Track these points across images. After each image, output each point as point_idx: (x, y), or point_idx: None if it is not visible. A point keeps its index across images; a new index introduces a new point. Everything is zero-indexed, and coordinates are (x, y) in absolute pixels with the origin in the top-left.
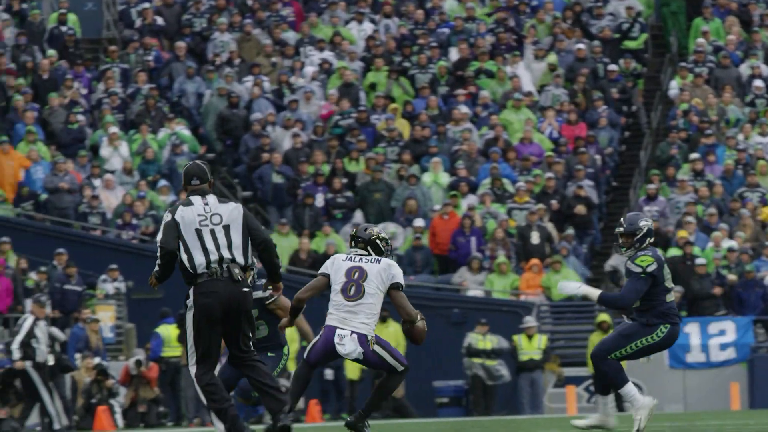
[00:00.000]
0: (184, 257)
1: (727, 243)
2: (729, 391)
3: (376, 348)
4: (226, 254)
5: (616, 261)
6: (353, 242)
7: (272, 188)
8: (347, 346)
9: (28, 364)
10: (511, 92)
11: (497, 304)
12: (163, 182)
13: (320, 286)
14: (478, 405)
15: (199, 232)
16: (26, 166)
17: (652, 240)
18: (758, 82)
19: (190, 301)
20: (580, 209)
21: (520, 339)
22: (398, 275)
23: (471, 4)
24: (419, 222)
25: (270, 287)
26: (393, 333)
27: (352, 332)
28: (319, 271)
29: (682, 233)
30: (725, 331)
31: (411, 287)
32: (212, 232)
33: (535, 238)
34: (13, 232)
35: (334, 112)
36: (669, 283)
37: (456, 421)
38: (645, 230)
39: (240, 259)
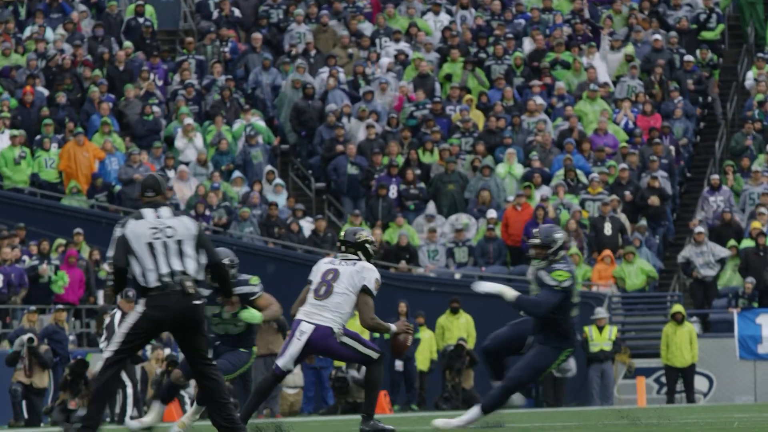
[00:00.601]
0: (137, 271)
1: None
2: None
3: (345, 339)
4: (177, 267)
5: (689, 252)
6: (342, 247)
7: (347, 179)
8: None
9: None
10: (586, 83)
11: None
12: (236, 173)
13: (305, 296)
14: (548, 396)
15: (150, 246)
16: (101, 157)
17: (564, 253)
18: None
19: (139, 308)
20: (654, 200)
21: (591, 330)
22: (369, 279)
23: None
24: (492, 213)
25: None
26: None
27: (317, 326)
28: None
29: (755, 224)
30: None
31: (483, 279)
32: (164, 245)
33: (607, 229)
34: (86, 223)
35: (411, 100)
36: (576, 298)
37: (526, 412)
38: (560, 243)
39: (192, 272)
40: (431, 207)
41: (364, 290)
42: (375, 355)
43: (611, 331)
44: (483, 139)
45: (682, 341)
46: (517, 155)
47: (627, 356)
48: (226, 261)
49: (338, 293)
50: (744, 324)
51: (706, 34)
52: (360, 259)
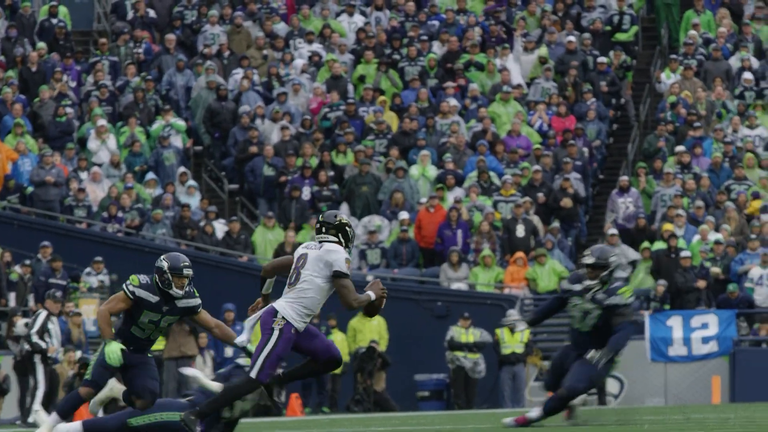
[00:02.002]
0: None
1: (713, 236)
2: (710, 384)
3: (276, 330)
4: None
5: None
6: (321, 227)
7: (263, 181)
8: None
9: (38, 358)
10: (500, 85)
11: (481, 298)
12: (150, 175)
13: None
14: (460, 398)
15: None
16: (14, 158)
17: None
18: (747, 75)
19: None
20: (567, 202)
21: (502, 332)
22: (337, 262)
23: None
24: (405, 215)
25: None
26: (376, 327)
27: (270, 306)
28: None
29: (667, 226)
30: (708, 324)
31: (396, 281)
32: None
33: (520, 231)
34: None
35: (323, 104)
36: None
37: (438, 415)
38: (614, 265)
39: None
40: (344, 209)
41: (337, 275)
42: (255, 374)
43: (523, 334)
44: (396, 140)
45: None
46: (431, 157)
47: (539, 358)
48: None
49: (304, 279)
50: (655, 326)
51: (620, 36)
52: (338, 242)
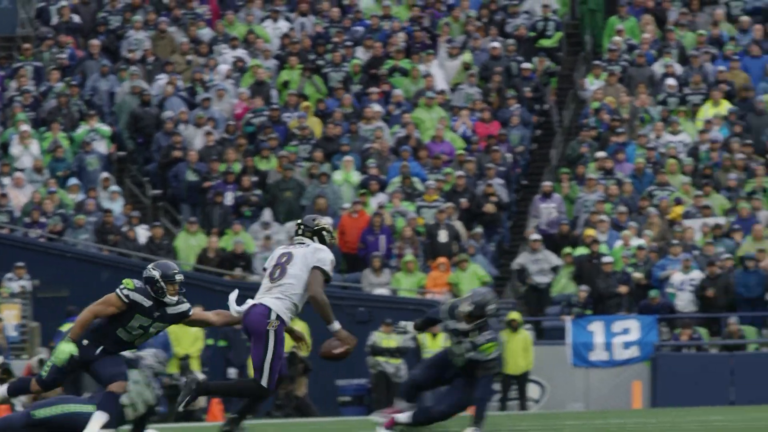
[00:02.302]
0: None
1: (636, 241)
2: (631, 389)
3: (271, 334)
4: None
5: (524, 259)
6: (299, 230)
7: (186, 186)
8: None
9: None
10: (423, 90)
11: (403, 303)
12: (72, 180)
13: None
14: (381, 404)
15: None
16: None
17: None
18: (671, 81)
19: None
20: (489, 208)
21: (424, 337)
22: (322, 259)
23: (387, 2)
24: (328, 220)
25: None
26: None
27: (258, 303)
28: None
29: (589, 231)
30: (629, 329)
31: None
32: None
33: (443, 236)
34: None
35: (247, 110)
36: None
37: (359, 420)
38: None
39: None
40: (267, 214)
41: (316, 267)
42: (266, 383)
43: (445, 338)
44: (320, 146)
45: (517, 348)
46: (354, 162)
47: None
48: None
49: (291, 274)
50: (577, 331)
51: (544, 42)
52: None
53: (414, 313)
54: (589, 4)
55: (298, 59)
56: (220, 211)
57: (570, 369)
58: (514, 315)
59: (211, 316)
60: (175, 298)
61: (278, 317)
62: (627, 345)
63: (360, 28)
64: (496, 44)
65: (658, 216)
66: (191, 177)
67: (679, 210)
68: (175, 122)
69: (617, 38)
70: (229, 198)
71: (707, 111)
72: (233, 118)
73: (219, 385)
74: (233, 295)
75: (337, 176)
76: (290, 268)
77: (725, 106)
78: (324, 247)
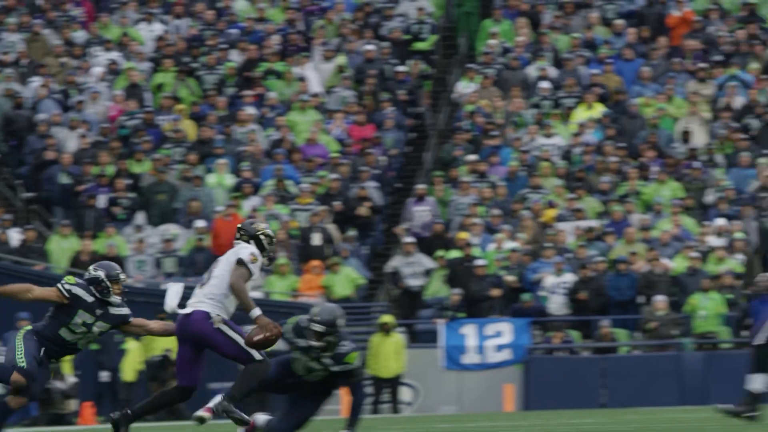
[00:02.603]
0: None
1: (509, 244)
2: (503, 392)
3: (222, 327)
4: None
5: (398, 263)
6: (238, 234)
7: (60, 189)
8: (170, 299)
9: None
10: (298, 93)
11: (276, 306)
12: None
13: None
14: (254, 406)
15: None
16: None
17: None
18: (545, 84)
19: None
20: (363, 211)
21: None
22: (242, 253)
23: (262, 5)
24: (202, 223)
25: None
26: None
27: (193, 310)
28: None
29: (462, 235)
30: (502, 332)
31: (190, 289)
32: None
33: (316, 239)
34: None
35: (121, 112)
36: None
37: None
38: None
39: None
40: (141, 217)
41: (239, 262)
42: (258, 355)
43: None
44: (194, 149)
45: (389, 351)
46: (228, 165)
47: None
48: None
49: (215, 276)
50: (450, 334)
51: (419, 45)
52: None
53: (287, 316)
54: (464, 7)
55: (173, 62)
56: (93, 214)
57: (442, 372)
58: (387, 318)
59: (152, 324)
60: (119, 299)
61: (218, 315)
62: (499, 348)
63: (234, 31)
64: (370, 47)
65: (531, 219)
66: (64, 180)
67: (552, 213)
68: (49, 125)
69: (492, 41)
70: (102, 201)
71: (581, 114)
72: (107, 120)
73: (235, 388)
74: (176, 288)
75: (211, 179)
76: (215, 272)
77: (599, 110)
78: (246, 245)
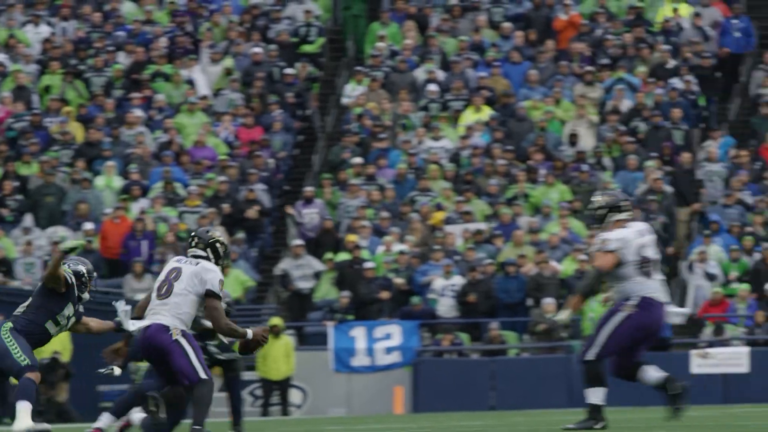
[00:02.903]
0: None
1: (397, 247)
2: (393, 394)
3: (181, 340)
4: None
5: (287, 265)
6: (192, 242)
7: None
8: (127, 322)
9: None
10: (186, 96)
11: None
12: None
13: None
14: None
15: None
16: None
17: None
18: (432, 87)
19: None
20: (252, 213)
21: None
22: (211, 281)
23: (149, 7)
24: (90, 226)
25: None
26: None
27: (153, 323)
28: None
29: (350, 237)
30: (391, 334)
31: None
32: None
33: None
34: None
35: (8, 115)
36: None
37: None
38: None
39: None
40: (28, 219)
41: (210, 294)
42: (203, 375)
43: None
44: (82, 151)
45: (279, 354)
46: (116, 167)
47: (219, 370)
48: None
49: (177, 293)
50: (339, 337)
51: (306, 48)
52: (207, 258)
53: None
54: (352, 9)
55: (60, 64)
56: None
57: (332, 374)
58: (276, 320)
59: (92, 322)
60: (87, 296)
61: (176, 328)
62: (389, 350)
63: (122, 33)
64: (258, 49)
65: (420, 222)
66: None
67: (440, 216)
68: None
69: (380, 44)
70: None
71: (469, 117)
72: None
73: (196, 419)
74: (123, 307)
75: (99, 181)
76: (177, 286)
77: (486, 112)
78: (213, 266)
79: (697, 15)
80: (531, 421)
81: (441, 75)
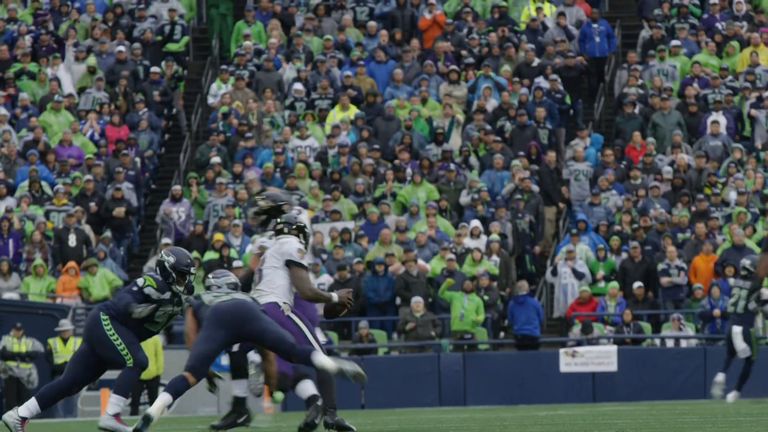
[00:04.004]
0: None
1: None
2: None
3: (292, 315)
4: None
5: (154, 264)
6: (284, 229)
7: None
8: None
9: None
10: (50, 94)
11: (33, 307)
12: None
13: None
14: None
15: None
16: None
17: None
18: (298, 86)
19: None
20: (119, 212)
21: (55, 342)
22: (290, 251)
23: (12, 6)
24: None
25: None
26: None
27: (264, 304)
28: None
29: (218, 236)
30: None
31: None
32: None
33: (72, 240)
34: None
35: None
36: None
37: None
38: None
39: None
40: None
41: (290, 263)
42: (316, 346)
43: (76, 343)
44: None
45: (148, 352)
46: None
47: None
48: None
49: (267, 273)
50: None
51: (171, 46)
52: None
53: (43, 318)
54: (220, 8)
55: None
56: None
57: None
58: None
59: None
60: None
61: (285, 303)
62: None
63: None
64: (122, 48)
65: None
66: None
67: (307, 214)
68: None
69: (247, 43)
70: None
71: (335, 115)
72: None
73: (326, 399)
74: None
75: None
76: (265, 269)
77: (353, 111)
78: (289, 238)
79: (561, 14)
80: (401, 419)
81: (307, 74)
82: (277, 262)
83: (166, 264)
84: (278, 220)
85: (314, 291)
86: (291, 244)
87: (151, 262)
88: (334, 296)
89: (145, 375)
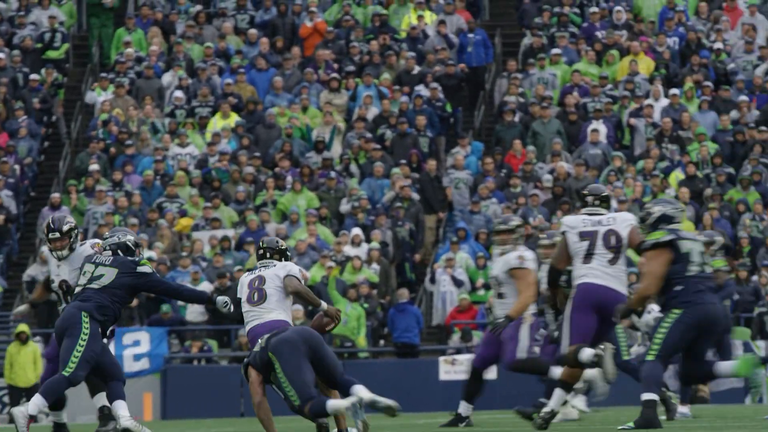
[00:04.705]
0: None
1: (147, 253)
2: (143, 401)
3: None
4: None
5: (35, 271)
6: (266, 254)
7: None
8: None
9: None
10: None
11: None
12: None
13: None
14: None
15: None
16: None
17: None
18: (178, 93)
19: None
20: None
21: None
22: (292, 270)
23: None
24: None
25: None
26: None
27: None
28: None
29: (98, 244)
30: (140, 341)
31: None
32: None
33: None
34: None
35: None
36: None
37: None
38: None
39: None
40: None
41: (288, 276)
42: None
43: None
44: None
45: (26, 361)
46: None
47: None
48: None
49: (271, 294)
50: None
51: (51, 54)
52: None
53: None
54: (97, 16)
55: None
56: None
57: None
58: (23, 327)
59: None
60: None
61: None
62: (137, 357)
63: None
64: (1, 55)
65: (168, 228)
66: None
67: (186, 222)
68: None
69: (128, 50)
70: None
71: (216, 123)
72: None
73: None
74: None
75: None
76: (267, 288)
77: (234, 119)
78: (290, 263)
79: (441, 23)
80: (280, 428)
81: (187, 81)
82: (281, 281)
83: (129, 243)
84: (260, 244)
85: (306, 290)
86: (292, 265)
87: (31, 270)
88: (324, 305)
89: (23, 383)
